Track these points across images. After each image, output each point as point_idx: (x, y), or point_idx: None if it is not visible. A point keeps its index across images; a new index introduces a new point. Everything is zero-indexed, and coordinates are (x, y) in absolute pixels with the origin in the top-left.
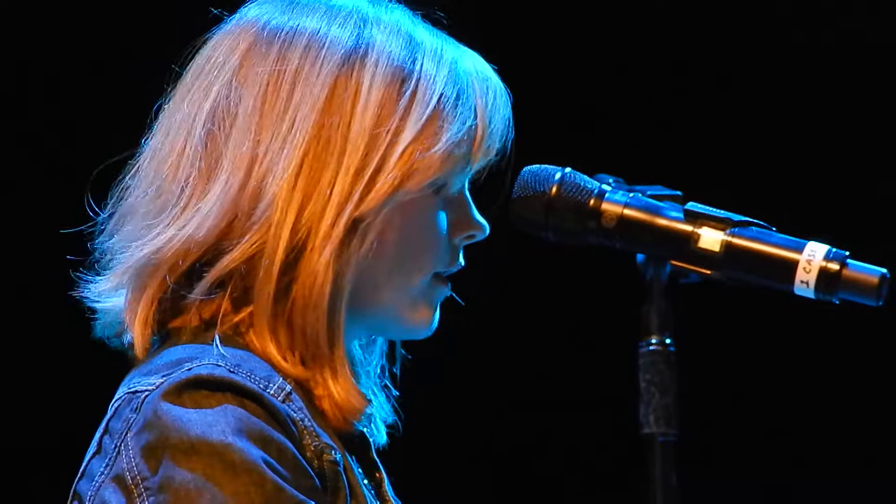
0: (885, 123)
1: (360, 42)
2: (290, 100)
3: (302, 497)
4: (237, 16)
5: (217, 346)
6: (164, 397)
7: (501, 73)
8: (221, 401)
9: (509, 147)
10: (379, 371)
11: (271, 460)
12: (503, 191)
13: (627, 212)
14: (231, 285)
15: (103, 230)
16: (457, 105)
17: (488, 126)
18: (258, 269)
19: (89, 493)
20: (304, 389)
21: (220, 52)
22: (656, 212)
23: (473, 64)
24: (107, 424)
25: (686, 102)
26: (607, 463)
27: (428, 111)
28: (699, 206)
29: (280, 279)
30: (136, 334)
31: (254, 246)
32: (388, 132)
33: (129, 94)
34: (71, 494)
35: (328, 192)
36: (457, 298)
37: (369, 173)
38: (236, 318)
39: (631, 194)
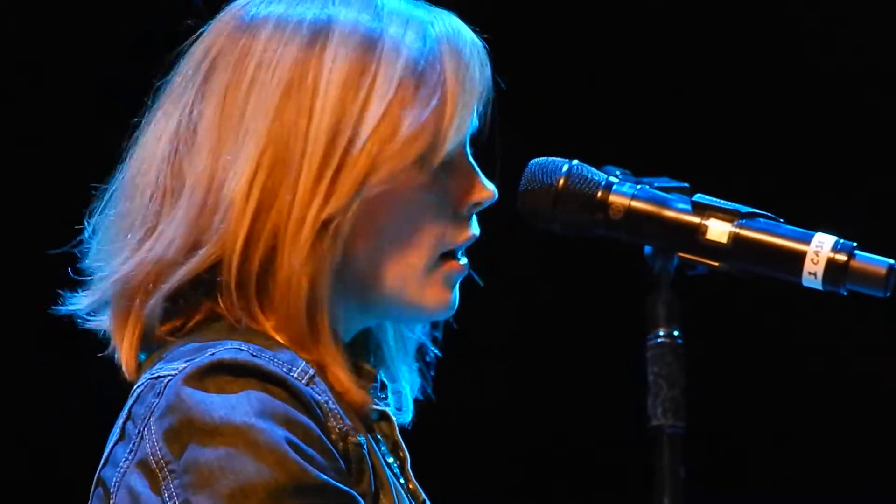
0: (892, 115)
1: (321, 23)
2: (245, 106)
3: (325, 477)
4: (220, 13)
5: (240, 331)
6: (187, 381)
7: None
8: (245, 386)
9: (490, 109)
10: (415, 347)
11: (296, 440)
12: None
13: (635, 204)
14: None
15: (87, 249)
16: (419, 84)
17: (460, 95)
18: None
19: (114, 479)
20: (324, 373)
21: (192, 63)
22: (664, 203)
23: (446, 28)
24: (129, 410)
25: (694, 94)
26: (612, 457)
27: (389, 96)
28: (707, 197)
29: (258, 284)
30: (124, 357)
31: (210, 258)
32: (349, 125)
33: (117, 100)
34: (95, 481)
35: (290, 196)
36: (475, 276)
37: (330, 173)
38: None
39: (638, 186)
